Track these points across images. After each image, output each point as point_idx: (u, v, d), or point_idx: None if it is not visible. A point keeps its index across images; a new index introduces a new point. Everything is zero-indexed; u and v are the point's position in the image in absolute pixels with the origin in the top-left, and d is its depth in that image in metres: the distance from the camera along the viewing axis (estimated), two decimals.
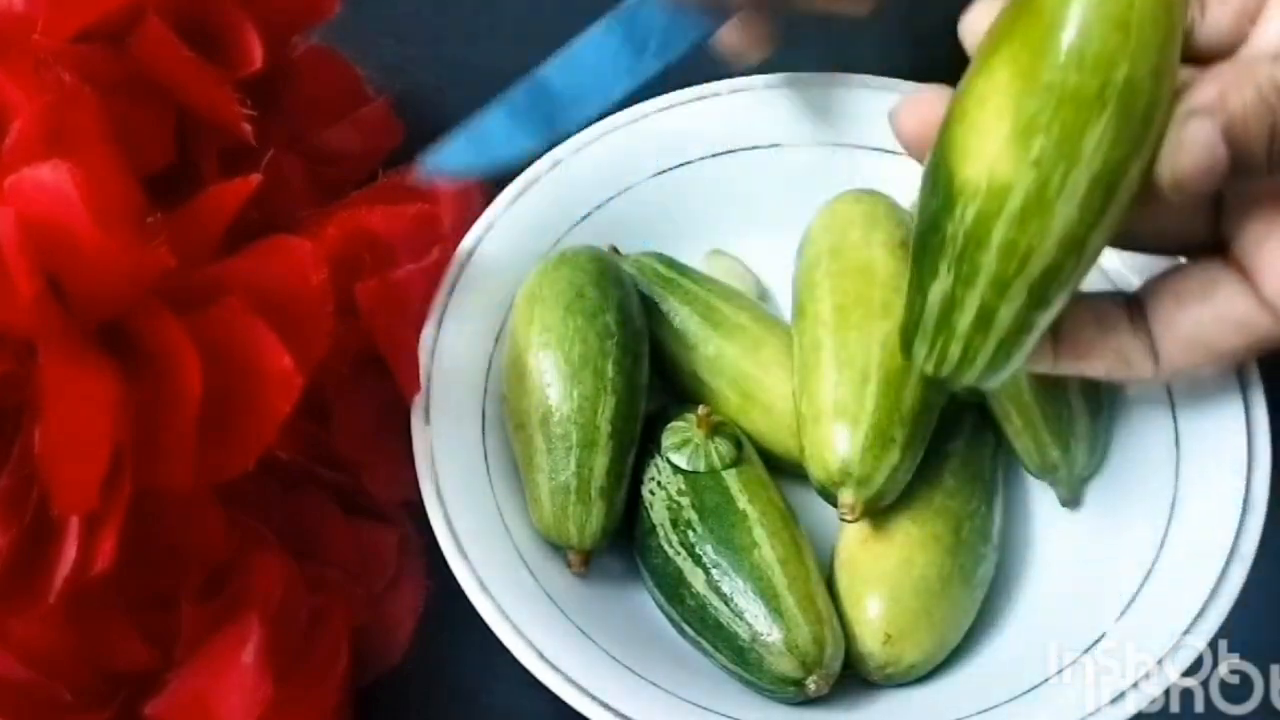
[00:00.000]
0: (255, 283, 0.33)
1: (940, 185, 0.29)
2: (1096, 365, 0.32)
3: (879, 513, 0.37)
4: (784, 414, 0.39)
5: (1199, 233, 0.32)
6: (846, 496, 0.36)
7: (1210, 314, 0.31)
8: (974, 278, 0.29)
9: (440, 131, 0.41)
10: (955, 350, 0.31)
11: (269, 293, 0.33)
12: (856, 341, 0.37)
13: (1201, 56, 0.30)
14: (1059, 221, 0.28)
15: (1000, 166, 0.28)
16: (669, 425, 0.39)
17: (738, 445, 0.39)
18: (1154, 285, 0.32)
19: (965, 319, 0.30)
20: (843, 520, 0.36)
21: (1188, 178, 0.28)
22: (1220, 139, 0.27)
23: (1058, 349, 0.33)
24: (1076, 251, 0.29)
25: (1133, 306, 0.33)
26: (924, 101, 0.32)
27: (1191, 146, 0.27)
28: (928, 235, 0.30)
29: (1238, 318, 0.30)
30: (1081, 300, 0.32)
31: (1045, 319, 0.30)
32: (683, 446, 0.38)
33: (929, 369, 0.32)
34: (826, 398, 0.37)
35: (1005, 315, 0.30)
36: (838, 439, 0.36)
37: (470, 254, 0.41)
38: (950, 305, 0.30)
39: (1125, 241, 0.32)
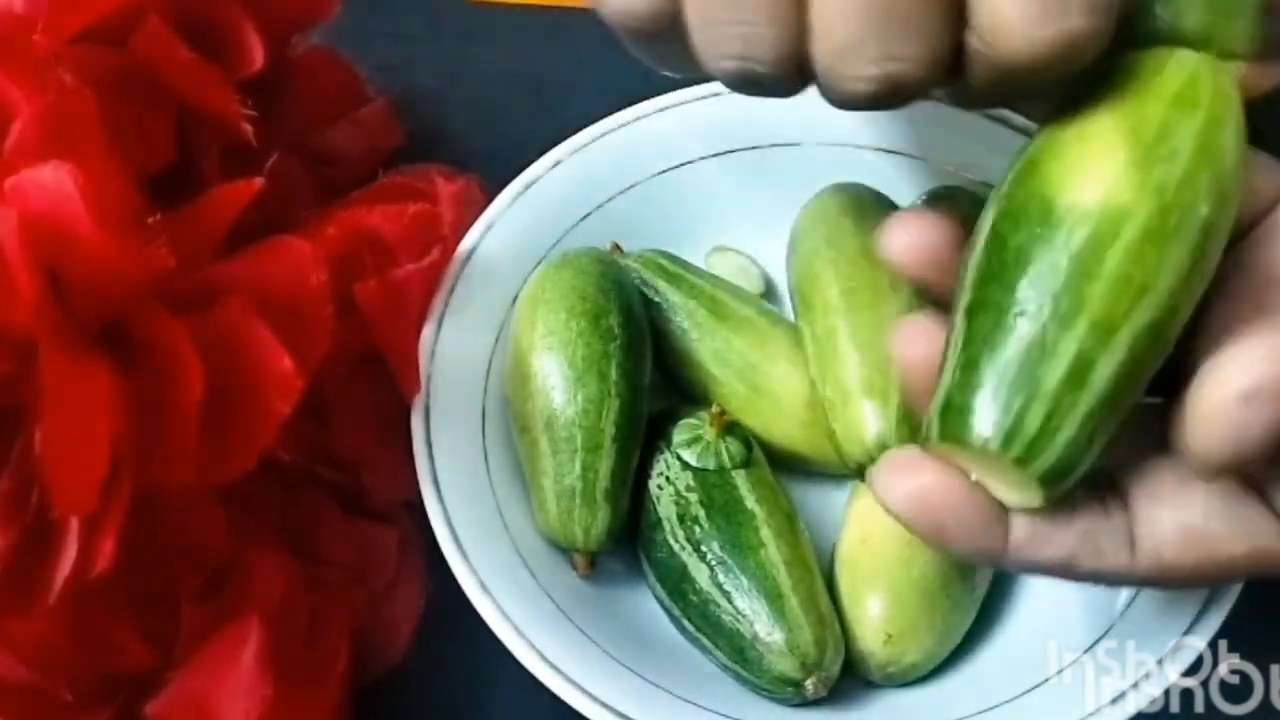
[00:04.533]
0: (255, 283, 0.33)
1: (1033, 216, 0.26)
2: (1055, 548, 0.26)
3: (878, 512, 0.37)
4: (793, 406, 0.39)
5: None
6: None
7: (1221, 508, 0.26)
8: (1074, 318, 0.25)
9: (440, 131, 0.41)
10: (1035, 415, 0.25)
11: (269, 293, 0.33)
12: (871, 321, 0.38)
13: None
14: (1172, 261, 0.25)
15: (1117, 191, 0.25)
16: (680, 421, 0.39)
17: (748, 447, 0.39)
18: (1142, 465, 0.27)
19: (1056, 372, 0.25)
20: None
21: (1225, 460, 0.24)
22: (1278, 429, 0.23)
23: (1009, 531, 0.27)
24: (1175, 312, 0.25)
25: (1102, 488, 0.27)
26: (920, 218, 0.29)
27: (1246, 430, 0.23)
28: (1001, 276, 0.26)
29: (1248, 524, 0.26)
30: None
31: (1127, 402, 0.26)
32: (693, 443, 0.38)
33: (995, 442, 0.25)
34: (852, 379, 0.37)
35: (1102, 373, 0.25)
36: (870, 416, 0.36)
37: (470, 254, 0.41)
38: (1039, 353, 0.25)
39: None
